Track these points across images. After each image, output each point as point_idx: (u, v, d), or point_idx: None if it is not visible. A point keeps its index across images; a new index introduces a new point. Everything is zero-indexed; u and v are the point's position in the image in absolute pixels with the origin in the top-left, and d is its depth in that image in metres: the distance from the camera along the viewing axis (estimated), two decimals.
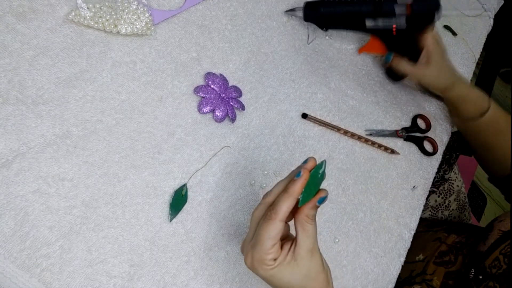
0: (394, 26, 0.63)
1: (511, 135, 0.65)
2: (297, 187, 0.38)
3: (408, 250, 0.63)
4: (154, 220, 0.50)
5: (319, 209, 0.59)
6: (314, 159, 0.39)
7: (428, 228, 0.75)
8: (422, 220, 0.69)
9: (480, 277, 0.56)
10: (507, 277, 0.52)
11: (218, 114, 0.57)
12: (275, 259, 0.39)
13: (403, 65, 0.66)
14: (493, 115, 0.65)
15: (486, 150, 0.69)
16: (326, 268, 0.42)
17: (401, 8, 0.60)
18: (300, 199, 0.38)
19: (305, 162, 0.39)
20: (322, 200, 0.39)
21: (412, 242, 0.64)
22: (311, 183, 0.38)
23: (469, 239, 0.67)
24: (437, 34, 0.64)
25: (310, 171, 0.39)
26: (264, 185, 0.58)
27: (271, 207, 0.39)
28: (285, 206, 0.38)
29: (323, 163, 0.38)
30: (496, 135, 0.66)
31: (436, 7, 0.60)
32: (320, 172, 0.38)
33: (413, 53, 0.68)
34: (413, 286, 0.64)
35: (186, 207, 0.52)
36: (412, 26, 0.63)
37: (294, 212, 0.40)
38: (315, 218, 0.40)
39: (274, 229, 0.38)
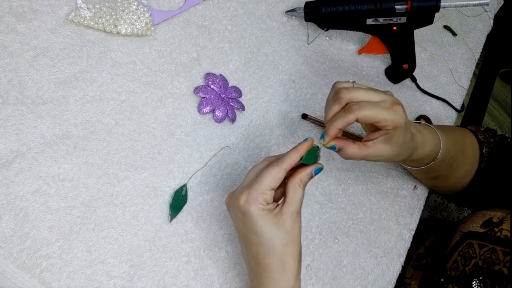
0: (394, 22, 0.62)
1: None
2: (304, 146, 0.45)
3: None
4: (154, 221, 0.50)
5: (319, 208, 0.60)
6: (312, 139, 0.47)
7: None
8: (421, 221, 0.68)
9: (442, 279, 0.56)
10: (464, 279, 0.52)
11: (218, 114, 0.57)
12: (267, 203, 0.42)
13: (350, 152, 0.48)
14: (444, 149, 0.55)
15: (439, 179, 0.62)
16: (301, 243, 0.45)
17: (402, 6, 0.60)
18: (303, 157, 0.45)
19: (306, 140, 0.46)
20: (318, 171, 0.46)
21: None
22: (312, 153, 0.46)
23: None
24: (397, 106, 0.46)
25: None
26: None
27: (277, 159, 0.44)
28: (291, 158, 0.44)
29: (319, 147, 0.47)
30: (450, 166, 0.59)
31: (436, 1, 0.60)
32: (318, 152, 0.47)
33: (412, 51, 0.68)
34: None
35: (186, 207, 0.52)
36: (412, 22, 0.63)
37: (284, 184, 0.45)
38: (305, 187, 0.45)
39: (277, 173, 0.43)
